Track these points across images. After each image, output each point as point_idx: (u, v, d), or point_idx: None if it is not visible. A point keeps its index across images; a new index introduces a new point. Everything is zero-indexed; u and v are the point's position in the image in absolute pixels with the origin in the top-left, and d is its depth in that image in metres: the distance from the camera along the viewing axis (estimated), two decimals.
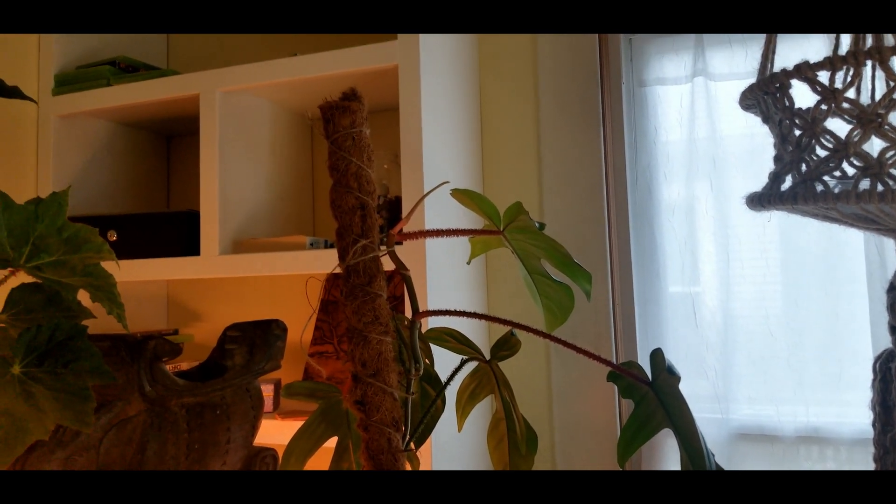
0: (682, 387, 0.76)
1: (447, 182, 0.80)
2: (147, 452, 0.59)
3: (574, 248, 1.16)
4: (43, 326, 0.54)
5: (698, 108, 1.14)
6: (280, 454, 0.78)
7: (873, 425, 0.75)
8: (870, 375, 0.81)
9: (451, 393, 0.81)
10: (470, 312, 0.69)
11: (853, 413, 1.04)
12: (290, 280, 1.33)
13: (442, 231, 0.73)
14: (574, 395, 1.16)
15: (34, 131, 1.24)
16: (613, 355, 1.14)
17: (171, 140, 1.46)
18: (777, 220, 1.11)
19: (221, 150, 1.10)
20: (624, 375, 0.62)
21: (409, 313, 0.78)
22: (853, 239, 1.06)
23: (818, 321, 1.07)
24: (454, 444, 1.05)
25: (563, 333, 1.15)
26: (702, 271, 1.14)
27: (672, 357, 1.13)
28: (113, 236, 1.15)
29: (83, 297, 0.63)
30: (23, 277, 0.62)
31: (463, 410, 0.83)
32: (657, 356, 0.60)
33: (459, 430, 0.84)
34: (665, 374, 0.59)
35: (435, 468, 0.96)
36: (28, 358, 0.53)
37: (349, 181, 0.67)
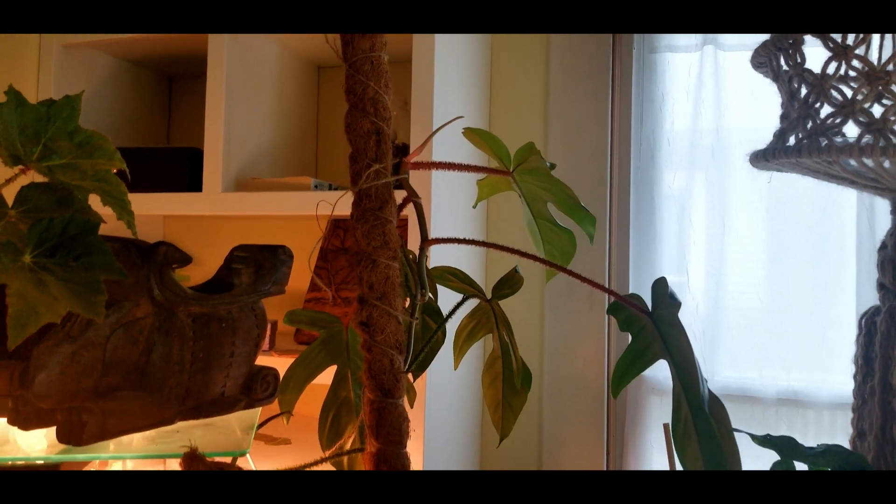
0: None
1: (461, 117, 0.80)
2: (153, 355, 0.60)
3: None
4: (56, 219, 0.55)
5: (706, 76, 1.15)
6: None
7: (854, 377, 0.78)
8: (852, 343, 0.84)
9: (449, 332, 0.82)
10: (479, 241, 0.70)
11: (833, 379, 1.06)
12: (288, 225, 1.34)
13: (453, 164, 0.73)
14: (566, 350, 1.17)
15: (35, 60, 1.22)
16: (606, 305, 1.16)
17: (173, 81, 1.45)
18: (772, 190, 1.13)
19: (228, 88, 1.10)
20: (626, 306, 0.63)
21: (413, 245, 0.79)
22: (845, 212, 1.09)
23: (806, 290, 1.09)
24: (448, 382, 1.07)
25: (559, 286, 1.17)
26: (694, 240, 1.15)
27: None
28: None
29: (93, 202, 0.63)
30: (32, 178, 0.62)
31: (460, 349, 0.84)
32: (660, 285, 0.61)
33: (456, 367, 0.85)
34: (666, 302, 0.60)
35: (428, 404, 0.98)
36: (39, 249, 0.53)
37: (366, 105, 0.67)
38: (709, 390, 0.60)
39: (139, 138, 1.37)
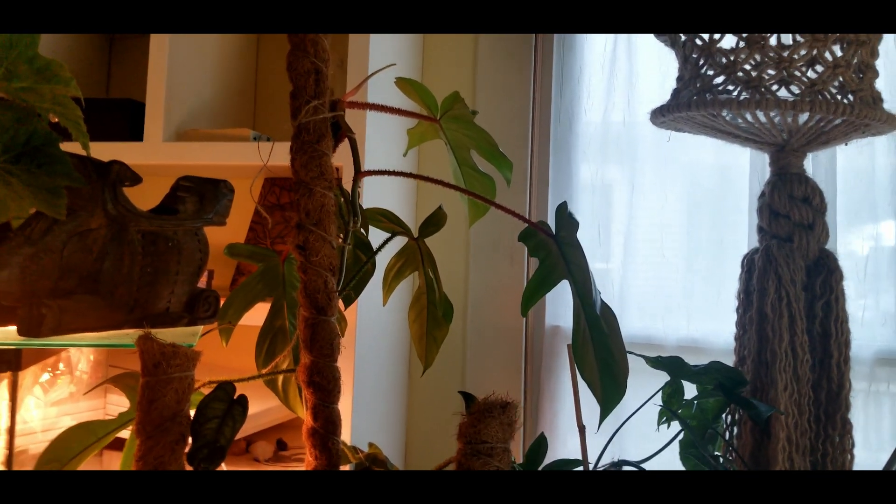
0: None
1: (394, 64, 0.87)
2: (105, 264, 0.65)
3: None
4: (20, 130, 0.59)
5: (619, 51, 1.26)
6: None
7: (737, 310, 0.89)
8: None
9: (380, 271, 0.89)
10: (407, 173, 0.77)
11: (727, 328, 1.18)
12: (227, 177, 1.37)
13: (385, 107, 0.80)
14: (487, 301, 1.26)
15: None
16: (525, 260, 1.25)
17: (113, 39, 1.47)
18: (676, 155, 1.24)
19: (171, 42, 1.14)
20: (536, 231, 0.72)
21: (347, 181, 0.85)
22: (741, 177, 1.21)
23: (706, 248, 1.22)
24: (377, 318, 1.14)
25: (482, 242, 1.26)
26: (613, 198, 1.26)
27: None
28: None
29: None
30: None
31: (389, 286, 0.91)
32: (561, 209, 0.70)
33: (384, 303, 0.92)
34: (567, 224, 0.69)
35: (358, 333, 1.05)
36: (5, 156, 0.58)
37: (307, 46, 0.73)
38: (601, 301, 0.69)
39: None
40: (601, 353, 0.68)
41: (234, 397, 0.58)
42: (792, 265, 0.82)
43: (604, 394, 0.67)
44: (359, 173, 0.78)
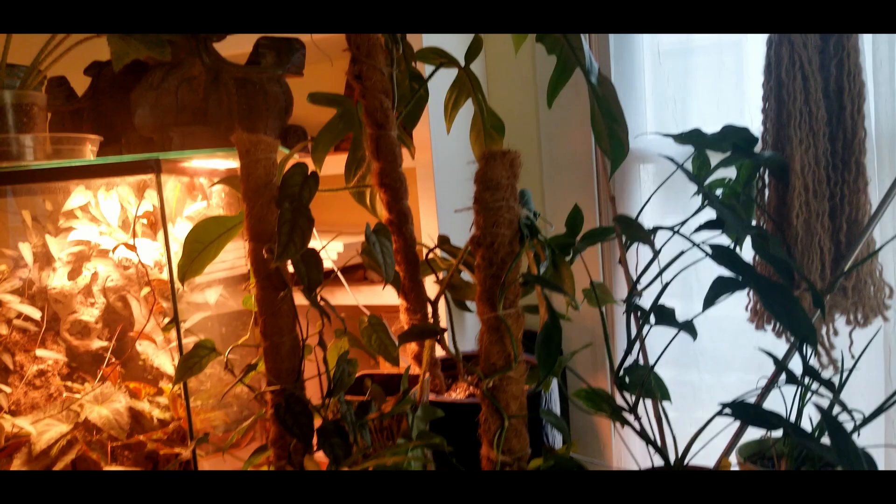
0: None
1: None
2: (209, 102, 0.85)
3: None
4: None
5: None
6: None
7: (762, 85, 0.95)
8: None
9: (439, 104, 1.04)
10: None
11: None
12: None
13: None
14: (557, 133, 1.38)
15: None
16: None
17: None
18: None
19: None
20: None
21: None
22: None
23: None
24: (446, 141, 1.29)
25: (548, 74, 1.36)
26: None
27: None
28: None
29: None
30: None
31: (450, 115, 1.07)
32: None
33: (448, 132, 1.08)
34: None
35: (435, 157, 1.22)
36: None
37: None
38: (599, 72, 0.80)
39: None
40: (608, 121, 0.80)
41: (308, 174, 0.76)
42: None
43: (613, 152, 0.79)
44: None
